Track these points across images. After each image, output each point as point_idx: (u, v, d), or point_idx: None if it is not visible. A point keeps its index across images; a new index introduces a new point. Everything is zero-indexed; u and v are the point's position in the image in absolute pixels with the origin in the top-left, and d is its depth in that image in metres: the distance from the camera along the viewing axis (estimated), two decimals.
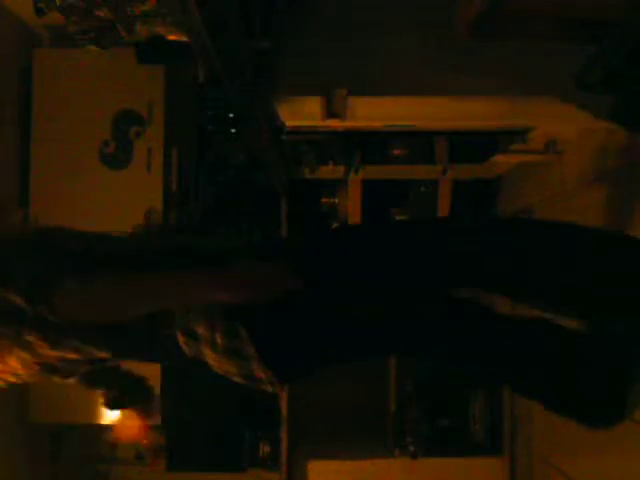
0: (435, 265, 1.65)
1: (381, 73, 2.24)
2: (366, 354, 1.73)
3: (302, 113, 2.42)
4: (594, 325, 1.68)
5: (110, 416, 2.99)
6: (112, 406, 1.90)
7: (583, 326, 1.68)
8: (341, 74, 2.25)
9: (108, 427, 3.18)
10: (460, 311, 1.67)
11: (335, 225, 3.43)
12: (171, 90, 3.00)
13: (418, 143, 3.35)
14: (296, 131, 2.65)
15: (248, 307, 1.51)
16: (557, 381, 1.65)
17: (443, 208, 3.38)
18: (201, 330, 1.57)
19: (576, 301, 1.67)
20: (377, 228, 1.82)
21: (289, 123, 2.55)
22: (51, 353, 1.62)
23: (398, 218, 3.53)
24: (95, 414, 3.01)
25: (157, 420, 2.94)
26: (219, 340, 1.57)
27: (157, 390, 2.01)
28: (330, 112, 2.35)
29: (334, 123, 2.44)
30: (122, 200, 2.96)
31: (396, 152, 3.38)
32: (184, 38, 2.33)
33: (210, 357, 1.60)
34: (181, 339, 1.59)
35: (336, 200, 3.44)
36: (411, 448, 3.53)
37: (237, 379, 1.63)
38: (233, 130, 3.07)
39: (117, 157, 2.99)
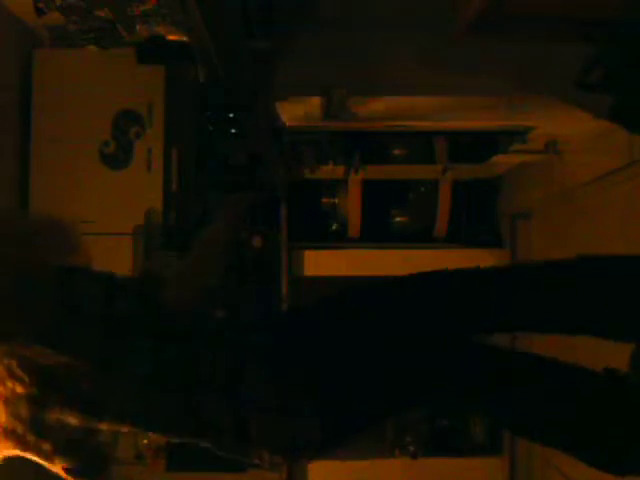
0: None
1: (381, 73, 2.23)
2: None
3: (302, 113, 2.42)
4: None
5: None
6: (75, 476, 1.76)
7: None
8: (341, 74, 2.25)
9: None
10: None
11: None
12: (171, 90, 3.00)
13: (418, 143, 3.35)
14: (296, 131, 2.65)
15: None
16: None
17: (443, 208, 3.38)
18: None
19: None
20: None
21: (289, 123, 2.55)
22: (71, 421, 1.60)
23: (397, 219, 3.52)
24: None
25: None
26: None
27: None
28: (330, 112, 2.35)
29: (334, 123, 2.44)
30: (122, 200, 2.96)
31: (396, 152, 3.38)
32: (184, 38, 2.34)
33: None
34: None
35: (336, 200, 3.44)
36: (411, 448, 3.52)
37: None
38: (233, 130, 3.07)
39: (117, 157, 2.99)
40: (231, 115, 3.01)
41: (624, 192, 2.42)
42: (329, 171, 3.34)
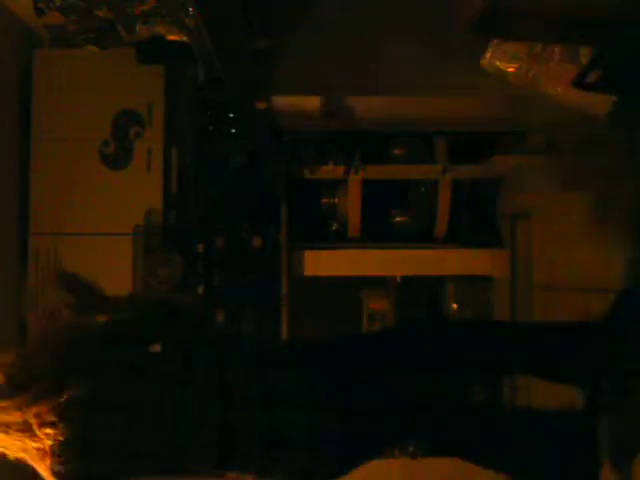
0: None
1: (381, 73, 2.24)
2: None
3: (302, 113, 2.42)
4: None
5: None
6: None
7: None
8: (341, 74, 2.25)
9: None
10: None
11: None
12: (171, 90, 3.00)
13: (418, 143, 3.35)
14: (296, 131, 2.65)
15: None
16: None
17: (443, 208, 3.38)
18: None
19: None
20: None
21: (289, 123, 2.55)
22: None
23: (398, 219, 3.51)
24: None
25: None
26: None
27: None
28: (330, 112, 2.35)
29: (334, 123, 2.44)
30: (122, 200, 2.97)
31: (396, 152, 3.38)
32: (184, 38, 2.33)
33: None
34: None
35: (336, 200, 3.43)
36: (411, 448, 3.52)
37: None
38: (233, 130, 3.07)
39: (117, 157, 2.99)
40: (231, 115, 3.01)
41: (624, 192, 2.41)
42: (329, 171, 3.34)
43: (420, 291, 3.56)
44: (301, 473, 1.73)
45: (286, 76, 2.23)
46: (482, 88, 2.22)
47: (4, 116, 2.93)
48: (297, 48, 2.13)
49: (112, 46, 2.55)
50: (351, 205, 3.34)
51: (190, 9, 2.20)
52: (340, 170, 3.31)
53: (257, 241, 3.22)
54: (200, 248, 3.10)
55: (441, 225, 3.39)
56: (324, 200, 3.47)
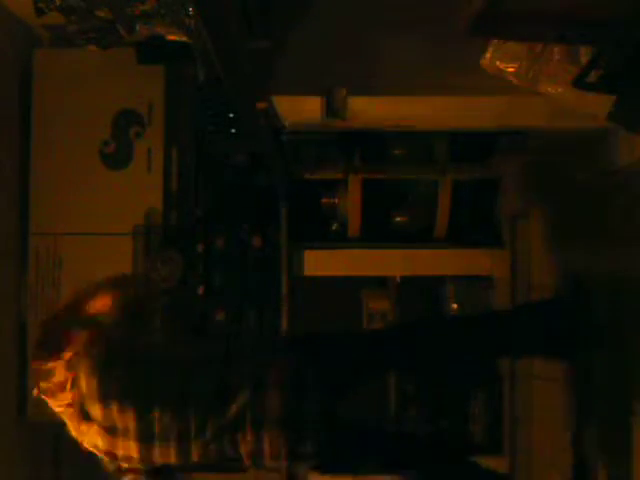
0: None
1: (381, 73, 2.23)
2: None
3: (302, 113, 2.42)
4: None
5: None
6: None
7: None
8: (341, 74, 2.25)
9: None
10: None
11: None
12: (171, 90, 3.00)
13: (418, 143, 3.35)
14: (296, 131, 2.65)
15: None
16: None
17: (443, 208, 3.38)
18: None
19: None
20: None
21: (289, 123, 2.55)
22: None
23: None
24: None
25: None
26: None
27: None
28: (330, 112, 2.34)
29: (334, 123, 2.44)
30: (122, 200, 2.97)
31: (396, 152, 3.38)
32: (184, 38, 2.34)
33: None
34: None
35: (336, 200, 3.43)
36: None
37: None
38: (233, 130, 3.06)
39: (117, 157, 2.99)
40: (231, 115, 3.01)
41: (624, 193, 2.42)
42: (329, 171, 3.34)
43: (420, 291, 3.55)
44: (287, 452, 1.91)
45: (286, 76, 2.23)
46: (482, 88, 2.22)
47: (4, 116, 2.93)
48: (297, 48, 2.13)
49: (112, 46, 2.55)
50: (351, 205, 3.34)
51: (190, 9, 2.21)
52: (340, 170, 3.31)
53: (257, 241, 3.22)
54: (200, 248, 3.10)
55: (441, 225, 3.39)
56: (324, 200, 3.47)
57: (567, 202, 2.91)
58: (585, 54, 1.85)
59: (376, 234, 3.45)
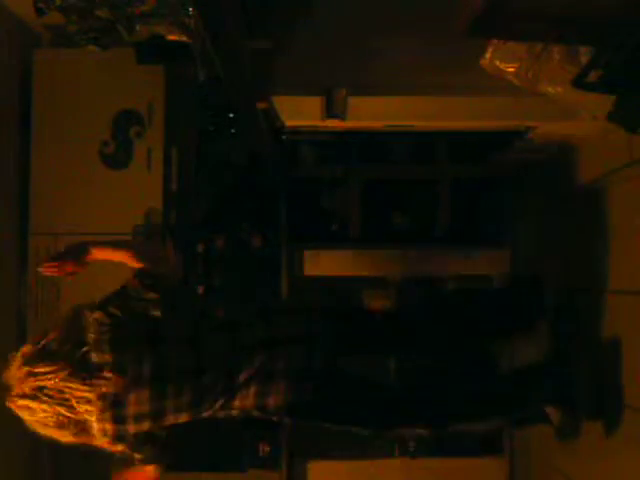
0: None
1: (381, 73, 2.23)
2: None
3: (302, 113, 2.42)
4: None
5: None
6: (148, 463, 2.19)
7: None
8: (341, 74, 2.25)
9: None
10: None
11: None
12: (171, 90, 3.00)
13: (418, 143, 3.35)
14: (296, 131, 2.65)
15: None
16: None
17: (443, 208, 3.38)
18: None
19: None
20: None
21: (289, 123, 2.55)
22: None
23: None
24: None
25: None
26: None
27: None
28: (330, 112, 2.35)
29: (334, 123, 2.44)
30: (122, 200, 2.97)
31: (396, 152, 3.38)
32: (184, 38, 2.34)
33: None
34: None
35: (336, 200, 3.44)
36: (411, 448, 3.52)
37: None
38: (233, 130, 3.07)
39: (117, 157, 2.99)
40: (231, 115, 3.02)
41: (624, 192, 2.42)
42: (329, 171, 3.34)
43: (420, 291, 3.55)
44: (285, 404, 2.11)
45: (286, 76, 2.23)
46: (482, 88, 2.22)
47: (4, 116, 2.93)
48: (297, 48, 2.13)
49: (112, 46, 2.55)
50: (351, 205, 3.34)
51: (190, 9, 2.21)
52: (340, 170, 3.32)
53: (257, 241, 3.22)
54: (200, 248, 3.10)
55: (441, 225, 3.39)
56: (324, 200, 3.47)
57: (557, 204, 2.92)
58: (585, 54, 1.84)
59: (376, 234, 3.45)
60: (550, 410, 2.35)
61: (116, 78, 2.97)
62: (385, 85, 2.27)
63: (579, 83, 1.78)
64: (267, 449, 3.50)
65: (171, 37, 2.38)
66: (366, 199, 3.35)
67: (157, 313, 2.08)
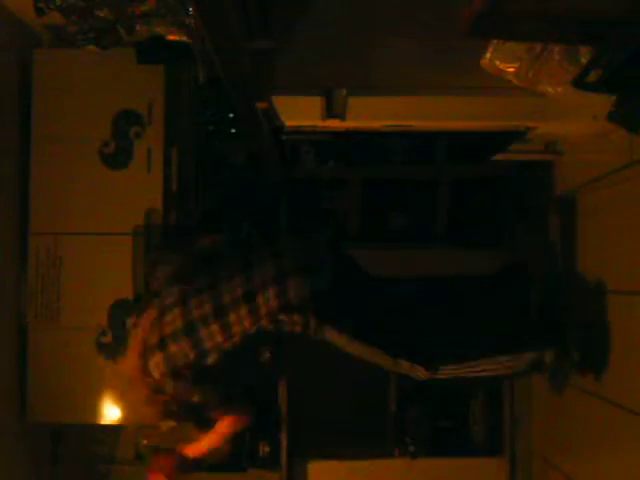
0: None
1: (381, 73, 2.23)
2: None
3: (302, 113, 2.42)
4: None
5: (110, 417, 3.00)
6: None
7: None
8: (341, 74, 2.25)
9: (107, 427, 3.19)
10: None
11: None
12: (171, 90, 3.00)
13: (418, 143, 3.35)
14: (296, 131, 2.65)
15: None
16: None
17: (443, 208, 3.39)
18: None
19: None
20: None
21: (289, 123, 2.55)
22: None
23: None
24: (95, 414, 3.01)
25: None
26: None
27: None
28: (330, 112, 2.35)
29: (334, 123, 2.44)
30: (122, 200, 2.97)
31: (396, 152, 3.38)
32: (184, 38, 2.34)
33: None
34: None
35: (336, 200, 3.44)
36: (411, 448, 3.52)
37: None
38: (233, 130, 3.07)
39: (117, 157, 2.99)
40: (231, 115, 3.01)
41: (624, 192, 2.42)
42: (329, 171, 3.34)
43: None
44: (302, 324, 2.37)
45: (286, 76, 2.23)
46: (482, 88, 2.22)
47: (4, 116, 2.93)
48: (297, 48, 2.13)
49: (112, 46, 2.55)
50: (351, 205, 3.34)
51: (190, 9, 2.21)
52: (340, 170, 3.32)
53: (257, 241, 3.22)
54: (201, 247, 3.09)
55: (441, 225, 3.39)
56: (324, 200, 3.47)
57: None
58: (585, 54, 1.84)
59: (376, 234, 3.45)
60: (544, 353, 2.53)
61: (116, 78, 2.97)
62: (385, 85, 2.27)
63: (579, 83, 1.78)
64: (267, 449, 3.50)
65: (171, 37, 2.38)
66: (365, 199, 3.35)
67: None
